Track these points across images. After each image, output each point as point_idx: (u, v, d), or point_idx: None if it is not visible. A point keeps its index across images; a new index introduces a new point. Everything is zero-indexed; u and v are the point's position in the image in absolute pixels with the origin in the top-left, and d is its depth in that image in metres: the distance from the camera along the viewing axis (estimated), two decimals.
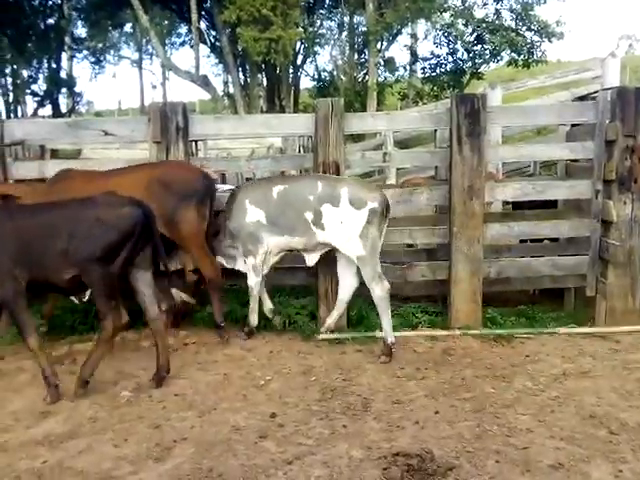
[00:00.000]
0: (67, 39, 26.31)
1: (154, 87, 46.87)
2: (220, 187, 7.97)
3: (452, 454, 3.30)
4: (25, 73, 26.16)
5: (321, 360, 4.79)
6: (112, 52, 35.73)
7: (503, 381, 4.31)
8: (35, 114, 24.29)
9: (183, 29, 29.42)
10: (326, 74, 24.26)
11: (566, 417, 3.73)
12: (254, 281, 5.18)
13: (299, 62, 23.81)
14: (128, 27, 32.33)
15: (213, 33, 21.78)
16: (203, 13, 20.10)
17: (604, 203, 5.42)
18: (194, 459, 3.31)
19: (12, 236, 3.93)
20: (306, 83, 26.81)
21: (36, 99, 25.95)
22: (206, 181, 5.07)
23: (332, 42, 24.21)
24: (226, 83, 26.29)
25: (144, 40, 37.32)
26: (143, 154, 9.26)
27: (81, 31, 28.11)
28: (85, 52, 29.46)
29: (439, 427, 3.64)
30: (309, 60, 24.44)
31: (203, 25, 20.32)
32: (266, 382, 4.36)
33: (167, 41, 30.73)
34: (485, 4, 20.81)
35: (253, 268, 5.15)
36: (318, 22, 23.49)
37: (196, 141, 6.01)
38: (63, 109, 26.84)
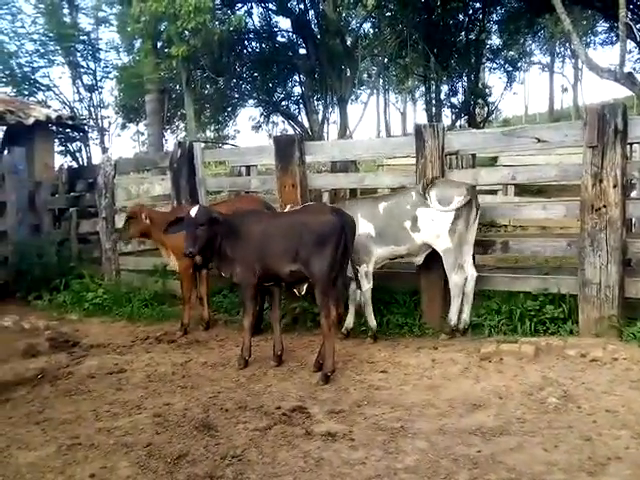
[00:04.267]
0: (485, 51, 27.51)
1: (565, 90, 45.59)
2: None
3: None
4: (445, 87, 28.31)
5: None
6: (524, 59, 35.91)
7: None
8: (453, 125, 26.05)
9: (601, 27, 27.82)
10: None
11: None
12: (367, 287, 5.71)
13: None
14: (542, 32, 32.03)
15: (638, 27, 19.95)
16: (630, 6, 18.57)
17: None
18: None
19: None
20: None
21: (454, 111, 27.82)
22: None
23: None
24: None
25: (557, 43, 36.58)
26: (557, 159, 9.06)
27: (497, 42, 29.04)
28: (500, 62, 30.34)
29: None
30: None
31: (629, 19, 18.74)
32: None
33: (584, 41, 29.39)
34: None
35: (366, 275, 5.70)
36: None
37: (632, 144, 5.60)
38: (477, 120, 28.17)
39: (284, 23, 40.78)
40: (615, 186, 5.01)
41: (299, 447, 3.66)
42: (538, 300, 5.52)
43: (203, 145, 9.25)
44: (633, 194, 6.62)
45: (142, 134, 32.38)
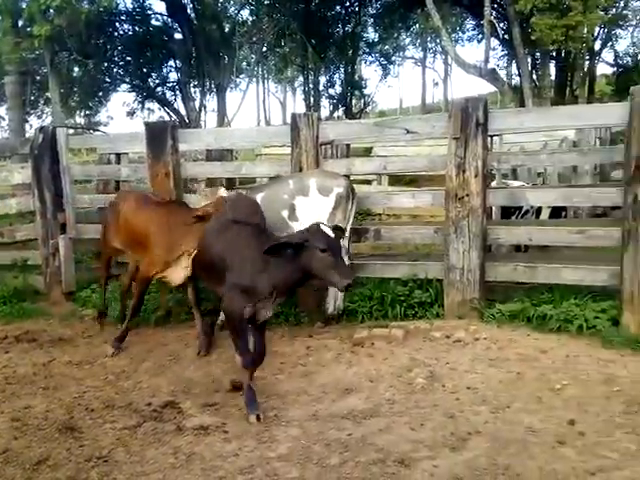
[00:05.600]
0: (361, 44, 28.18)
1: (436, 84, 47.85)
2: (512, 183, 7.84)
3: None
4: (323, 79, 28.71)
5: (625, 370, 4.36)
6: (399, 53, 37.23)
7: None
8: (331, 116, 26.49)
9: (469, 24, 29.36)
10: (628, 58, 22.04)
11: None
12: None
13: (596, 48, 21.98)
14: (415, 27, 33.26)
15: (502, 25, 21.28)
16: (495, 6, 19.77)
17: None
18: (489, 454, 3.30)
19: None
20: (601, 70, 24.75)
21: (332, 102, 28.30)
22: None
23: (635, 23, 21.94)
24: (511, 75, 25.52)
25: (429, 39, 38.21)
26: (428, 150, 9.47)
27: (373, 35, 29.85)
28: (375, 55, 31.21)
29: None
30: (608, 45, 22.45)
31: (493, 17, 19.94)
32: (562, 387, 4.12)
33: (453, 37, 30.87)
34: None
35: None
36: (622, 3, 21.37)
37: (492, 136, 5.94)
38: (354, 111, 28.84)
39: (159, 6, 39.34)
40: (477, 176, 5.28)
41: (169, 443, 3.57)
42: (408, 286, 5.73)
43: (72, 131, 8.71)
44: (493, 184, 7.04)
45: (3, 119, 30.16)
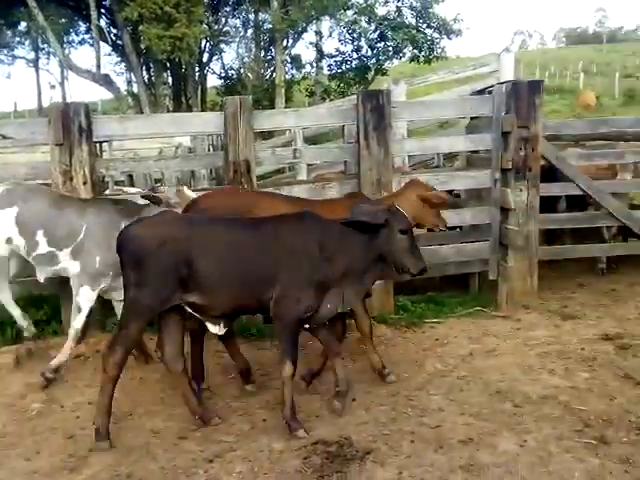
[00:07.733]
0: None
1: (52, 87, 45.00)
2: (128, 190, 7.80)
3: (369, 438, 3.41)
4: None
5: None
6: (6, 52, 34.01)
7: (415, 365, 4.49)
8: None
9: (82, 27, 28.31)
10: (233, 72, 24.19)
11: (474, 394, 3.94)
12: None
13: (205, 60, 23.54)
14: (22, 26, 30.65)
15: (114, 31, 21.12)
16: (103, 11, 19.45)
17: (502, 191, 5.72)
18: (112, 466, 3.25)
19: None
20: (213, 81, 26.66)
21: None
22: None
23: (238, 40, 24.20)
24: (130, 82, 25.53)
25: (40, 39, 35.66)
26: (43, 157, 8.85)
27: None
28: None
29: (356, 413, 3.75)
30: (215, 58, 24.27)
31: (103, 23, 19.63)
32: None
33: (65, 39, 29.39)
34: (387, 2, 21.53)
35: None
36: (223, 19, 23.31)
37: (101, 143, 5.84)
38: None
39: None
40: (85, 183, 5.12)
41: None
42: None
43: None
44: (107, 191, 6.88)
45: None
